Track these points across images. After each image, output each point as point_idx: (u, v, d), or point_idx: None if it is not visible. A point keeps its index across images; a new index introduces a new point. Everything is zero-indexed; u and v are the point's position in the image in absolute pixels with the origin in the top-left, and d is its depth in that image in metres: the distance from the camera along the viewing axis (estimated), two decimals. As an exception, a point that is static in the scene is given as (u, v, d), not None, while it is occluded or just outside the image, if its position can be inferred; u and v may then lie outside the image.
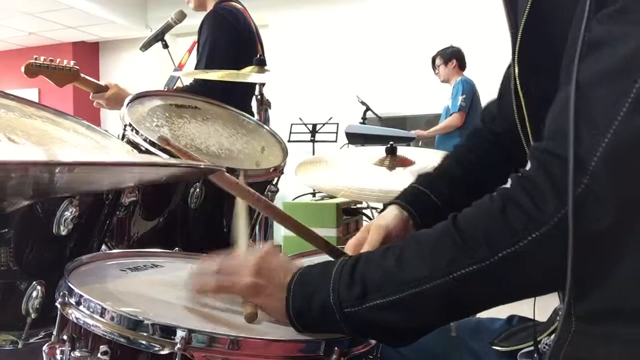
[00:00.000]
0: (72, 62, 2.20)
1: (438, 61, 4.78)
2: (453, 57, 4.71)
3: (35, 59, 2.12)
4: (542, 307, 0.88)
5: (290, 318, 0.76)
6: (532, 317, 0.91)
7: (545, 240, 0.63)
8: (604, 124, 0.60)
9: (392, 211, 1.01)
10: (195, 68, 2.47)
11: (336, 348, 0.73)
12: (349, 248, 0.99)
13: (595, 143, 0.60)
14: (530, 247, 0.63)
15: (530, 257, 0.64)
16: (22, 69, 2.10)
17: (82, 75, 2.23)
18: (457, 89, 4.58)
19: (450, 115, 4.58)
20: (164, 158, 1.32)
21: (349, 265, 0.74)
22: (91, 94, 2.29)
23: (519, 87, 0.77)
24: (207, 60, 2.41)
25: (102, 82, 2.33)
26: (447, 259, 0.67)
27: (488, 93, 4.54)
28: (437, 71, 4.81)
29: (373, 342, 0.80)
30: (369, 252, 0.77)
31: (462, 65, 4.73)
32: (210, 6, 2.61)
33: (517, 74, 0.77)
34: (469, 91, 4.54)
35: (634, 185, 0.61)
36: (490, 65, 4.44)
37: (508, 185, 0.69)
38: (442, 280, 0.67)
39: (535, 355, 0.81)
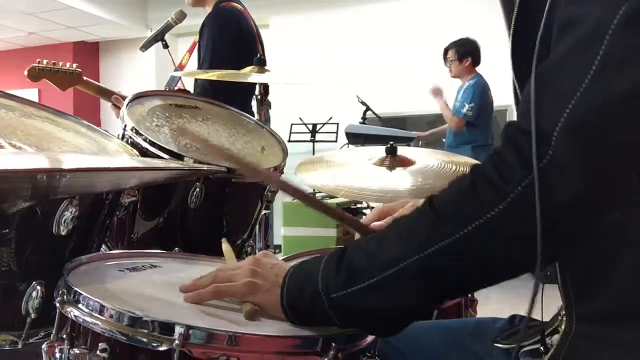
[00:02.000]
0: (74, 65, 2.21)
1: (451, 55, 4.41)
2: (469, 55, 4.37)
3: (38, 62, 2.13)
4: (545, 309, 0.88)
5: (285, 310, 0.78)
6: (532, 315, 0.92)
7: (512, 210, 0.63)
8: (567, 96, 0.61)
9: None
10: (198, 69, 2.47)
11: (333, 344, 0.73)
12: (376, 210, 1.03)
13: (558, 114, 0.61)
14: (498, 219, 0.64)
15: (499, 229, 0.65)
16: (25, 72, 2.11)
17: (84, 78, 2.24)
18: (468, 94, 4.28)
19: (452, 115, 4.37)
20: (164, 159, 1.32)
21: (338, 252, 0.76)
22: (111, 104, 2.29)
23: (515, 82, 0.78)
24: (210, 62, 2.41)
25: (102, 83, 2.34)
26: (420, 236, 0.69)
27: (491, 89, 4.47)
28: (448, 65, 4.45)
29: (370, 338, 0.81)
30: (358, 239, 0.78)
31: (476, 62, 4.41)
32: (209, 4, 2.62)
33: (513, 69, 0.78)
34: (480, 99, 4.26)
35: (597, 156, 0.62)
36: (491, 64, 4.45)
37: None
38: (417, 258, 0.68)
39: (541, 347, 0.81)
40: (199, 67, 2.48)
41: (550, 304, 0.85)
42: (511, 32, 0.76)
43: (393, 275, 0.69)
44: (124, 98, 2.26)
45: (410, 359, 0.96)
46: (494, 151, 0.68)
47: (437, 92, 4.50)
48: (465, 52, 4.37)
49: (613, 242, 0.65)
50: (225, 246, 1.09)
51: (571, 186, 0.62)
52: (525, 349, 0.86)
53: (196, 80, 2.49)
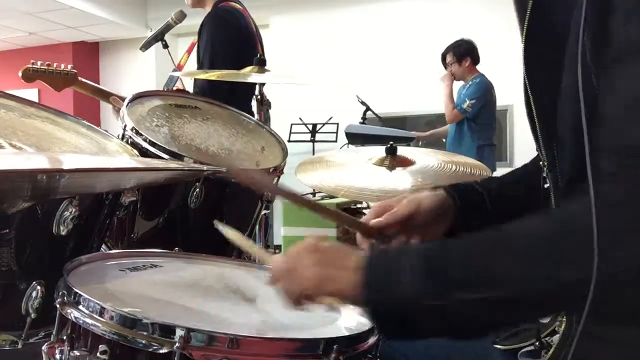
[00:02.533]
0: (69, 66, 2.21)
1: (450, 59, 4.38)
2: (467, 55, 4.32)
3: (33, 63, 2.13)
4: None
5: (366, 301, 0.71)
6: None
7: None
8: None
9: (432, 190, 1.00)
10: (198, 69, 2.47)
11: (335, 347, 0.73)
12: (374, 208, 1.00)
13: None
14: None
15: None
16: (20, 74, 2.10)
17: (80, 78, 2.23)
18: (471, 91, 4.24)
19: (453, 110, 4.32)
20: (164, 159, 1.32)
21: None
22: (112, 109, 2.28)
23: (526, 80, 0.77)
24: (209, 62, 2.41)
25: (102, 83, 2.34)
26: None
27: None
28: (449, 69, 4.38)
29: (372, 341, 0.80)
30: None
31: (475, 60, 4.36)
32: (208, 5, 2.61)
33: (524, 68, 0.77)
34: (483, 98, 4.21)
35: None
36: (491, 64, 4.45)
37: None
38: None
39: (537, 344, 0.80)
40: (199, 68, 2.48)
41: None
42: (524, 34, 0.75)
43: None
44: (122, 99, 2.26)
45: (411, 358, 0.96)
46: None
47: (447, 78, 4.42)
48: (462, 53, 4.35)
49: None
50: (227, 230, 1.00)
51: None
52: (525, 349, 0.86)
53: (195, 81, 2.49)
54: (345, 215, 0.96)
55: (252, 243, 1.01)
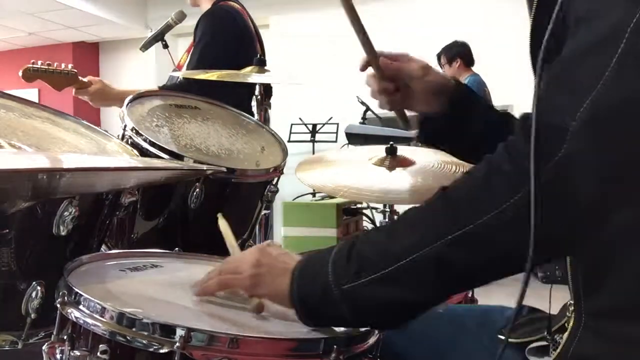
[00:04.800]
0: (69, 66, 2.21)
1: (442, 60, 4.56)
2: (457, 56, 4.50)
3: (33, 63, 2.12)
4: (553, 300, 0.88)
5: (294, 304, 0.77)
6: (542, 308, 0.92)
7: (525, 203, 0.64)
8: (584, 92, 0.61)
9: (444, 81, 1.14)
10: (187, 67, 2.46)
11: (335, 346, 0.73)
12: (391, 52, 1.16)
13: (574, 109, 0.61)
14: (513, 211, 0.65)
15: (514, 221, 0.65)
16: (20, 73, 2.10)
17: (80, 78, 2.23)
18: None
19: None
20: (163, 159, 1.32)
21: (348, 244, 0.75)
22: (74, 89, 2.28)
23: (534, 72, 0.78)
24: (198, 60, 2.40)
25: (102, 82, 2.33)
26: (435, 226, 0.69)
27: (491, 88, 4.49)
28: (443, 70, 4.53)
29: (372, 341, 0.80)
30: (366, 231, 0.78)
31: (468, 62, 4.51)
32: (205, 4, 2.60)
33: (532, 60, 0.78)
34: None
35: (613, 151, 0.62)
36: (492, 64, 4.46)
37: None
38: (432, 247, 0.68)
39: (549, 342, 0.81)
40: (188, 65, 2.46)
41: (561, 297, 0.85)
42: (532, 23, 0.76)
43: (406, 265, 0.70)
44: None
45: (415, 350, 0.95)
46: (508, 141, 0.68)
47: None
48: (453, 55, 4.52)
49: (624, 238, 0.65)
50: (222, 222, 1.10)
51: (586, 180, 0.62)
52: (533, 345, 0.86)
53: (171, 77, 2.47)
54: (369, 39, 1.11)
55: (235, 244, 1.05)
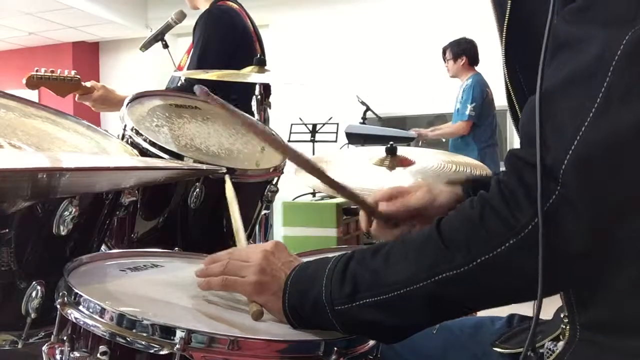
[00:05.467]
0: (73, 72, 2.20)
1: (448, 55, 4.44)
2: (463, 54, 4.38)
3: (37, 70, 2.12)
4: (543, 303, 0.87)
5: (286, 314, 0.78)
6: (526, 314, 0.91)
7: (522, 246, 0.63)
8: (571, 130, 0.59)
9: (449, 185, 1.01)
10: (187, 68, 2.46)
11: (335, 348, 0.73)
12: (387, 190, 1.02)
13: (563, 150, 0.60)
14: (508, 254, 0.64)
15: (508, 264, 0.64)
16: (24, 81, 2.10)
17: (83, 84, 2.23)
18: (468, 95, 4.28)
19: (457, 122, 4.38)
20: (163, 159, 1.32)
21: (341, 263, 0.75)
22: (77, 95, 2.29)
23: (509, 84, 0.78)
24: (198, 60, 2.40)
25: (102, 83, 2.33)
26: (428, 263, 0.69)
27: (493, 88, 4.46)
28: (446, 65, 4.48)
29: (372, 342, 0.80)
30: (362, 251, 0.77)
31: (473, 61, 4.42)
32: (203, 5, 2.60)
33: (505, 73, 0.78)
34: (479, 97, 4.25)
35: (606, 191, 0.60)
36: (491, 64, 4.44)
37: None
38: (424, 284, 0.68)
39: (531, 354, 0.80)
40: (188, 66, 2.46)
41: (549, 304, 0.84)
42: (503, 40, 0.76)
43: (401, 296, 0.70)
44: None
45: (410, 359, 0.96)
46: (501, 180, 0.67)
47: (424, 134, 4.57)
48: (459, 52, 4.40)
49: (615, 255, 0.65)
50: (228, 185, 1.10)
51: (581, 222, 0.61)
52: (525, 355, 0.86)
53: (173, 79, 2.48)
54: (354, 192, 0.99)
55: (242, 230, 1.05)
